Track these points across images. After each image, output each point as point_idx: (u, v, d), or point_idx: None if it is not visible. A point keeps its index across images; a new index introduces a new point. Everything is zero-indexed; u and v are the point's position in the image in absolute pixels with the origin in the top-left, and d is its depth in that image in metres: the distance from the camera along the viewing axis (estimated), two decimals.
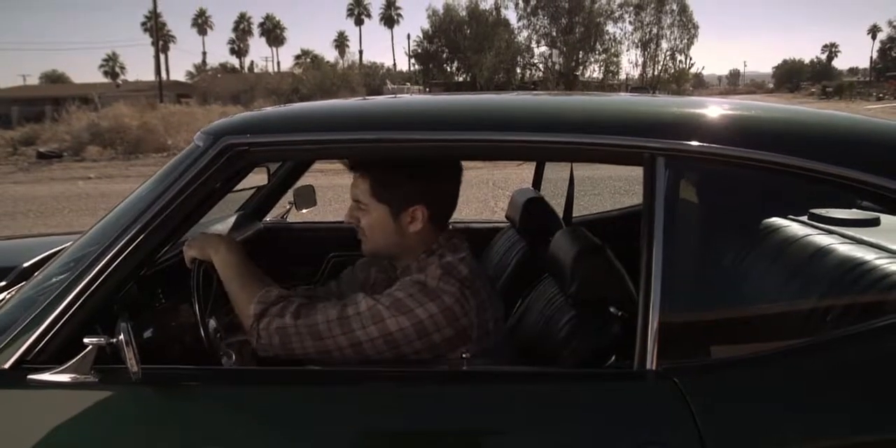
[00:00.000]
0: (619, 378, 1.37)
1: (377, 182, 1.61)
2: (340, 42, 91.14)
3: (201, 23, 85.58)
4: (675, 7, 53.54)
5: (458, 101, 1.90)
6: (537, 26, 52.34)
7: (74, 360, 1.33)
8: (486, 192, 10.17)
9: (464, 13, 52.58)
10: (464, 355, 1.50)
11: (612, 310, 1.61)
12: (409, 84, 51.60)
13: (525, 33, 52.86)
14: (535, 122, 1.53)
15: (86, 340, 1.32)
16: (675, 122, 1.51)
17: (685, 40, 54.58)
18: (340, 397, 1.37)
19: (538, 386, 1.38)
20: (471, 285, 1.56)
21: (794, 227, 1.85)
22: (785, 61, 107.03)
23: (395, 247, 1.66)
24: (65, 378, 1.33)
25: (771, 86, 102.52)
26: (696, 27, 54.36)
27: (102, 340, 1.31)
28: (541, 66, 53.26)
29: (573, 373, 1.49)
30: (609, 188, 8.50)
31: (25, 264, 2.18)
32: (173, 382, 1.39)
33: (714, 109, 1.57)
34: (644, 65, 55.71)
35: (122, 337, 1.28)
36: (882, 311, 1.41)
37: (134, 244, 1.42)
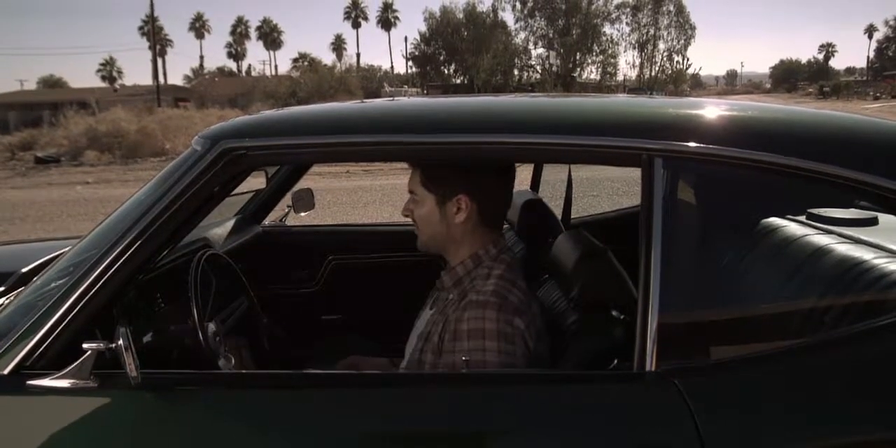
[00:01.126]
0: (619, 380, 1.37)
1: (426, 172, 1.68)
2: (338, 45, 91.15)
3: (199, 27, 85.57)
4: (671, 8, 53.64)
5: (455, 103, 1.90)
6: (534, 28, 52.42)
7: (73, 365, 1.32)
8: None
9: (461, 15, 52.62)
10: (464, 358, 1.50)
11: (614, 313, 1.61)
12: (406, 86, 51.64)
13: (522, 35, 52.95)
14: (533, 125, 1.53)
15: (85, 346, 1.31)
16: (672, 123, 1.51)
17: (682, 41, 54.66)
18: (341, 400, 1.37)
19: (538, 388, 1.38)
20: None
21: (792, 227, 1.85)
22: (782, 61, 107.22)
23: (441, 238, 1.71)
24: (64, 384, 1.33)
25: (768, 86, 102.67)
26: (693, 28, 54.46)
27: (101, 346, 1.30)
28: (538, 67, 53.30)
29: (573, 375, 1.49)
30: (607, 189, 8.51)
31: (24, 269, 2.17)
32: (173, 387, 1.39)
33: (710, 110, 1.57)
34: (641, 66, 55.79)
35: (120, 342, 1.27)
36: (881, 310, 1.41)
37: (132, 249, 1.41)
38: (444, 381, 1.44)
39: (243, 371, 1.68)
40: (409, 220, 1.77)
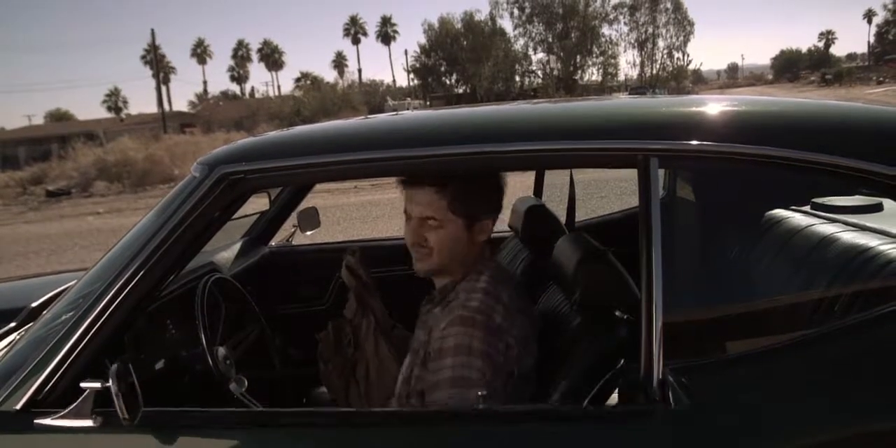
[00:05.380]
0: (631, 418, 1.32)
1: (456, 196, 1.60)
2: (339, 62, 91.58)
3: (200, 52, 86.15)
4: (669, 5, 53.67)
5: (451, 115, 1.90)
6: (533, 33, 52.57)
7: (74, 404, 1.32)
8: None
9: (459, 25, 52.83)
10: (480, 394, 1.49)
11: (617, 314, 1.61)
12: (409, 99, 51.78)
13: (521, 41, 53.12)
14: (527, 131, 1.53)
15: (83, 385, 1.31)
16: (666, 123, 1.51)
17: (681, 37, 54.72)
18: (350, 439, 1.35)
19: (549, 425, 1.34)
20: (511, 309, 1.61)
21: (796, 218, 1.84)
22: (782, 51, 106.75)
23: (459, 261, 1.65)
24: (67, 423, 1.33)
25: (770, 77, 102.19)
26: (691, 24, 54.51)
27: (98, 385, 1.29)
28: (539, 72, 53.40)
29: (584, 411, 1.44)
30: (615, 190, 8.48)
31: (34, 304, 2.19)
32: (174, 426, 1.38)
33: (704, 107, 1.57)
34: (642, 64, 55.84)
35: (110, 383, 1.26)
36: (890, 296, 1.40)
37: (136, 279, 1.42)
38: (459, 418, 1.39)
39: (246, 410, 1.66)
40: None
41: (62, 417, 1.33)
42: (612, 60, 53.44)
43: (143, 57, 73.95)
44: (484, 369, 1.50)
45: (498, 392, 1.51)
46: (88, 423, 1.32)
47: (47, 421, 1.34)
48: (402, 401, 1.66)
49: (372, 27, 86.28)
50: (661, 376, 1.26)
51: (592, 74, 53.54)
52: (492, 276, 1.65)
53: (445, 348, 1.53)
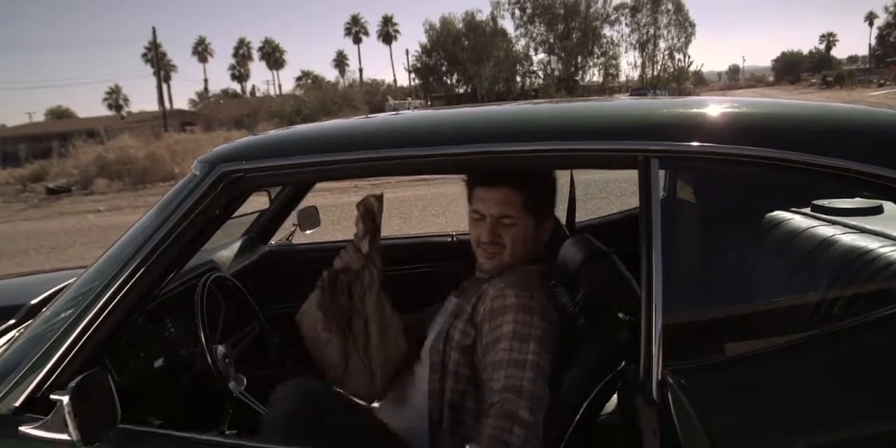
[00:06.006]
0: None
1: (531, 194, 1.68)
2: (340, 61, 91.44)
3: (201, 50, 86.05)
4: (670, 6, 53.69)
5: (452, 115, 1.90)
6: (534, 34, 52.61)
7: (49, 416, 1.29)
8: None
9: (460, 25, 52.85)
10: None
11: (620, 315, 1.61)
12: (410, 99, 51.76)
13: (523, 41, 53.15)
14: (528, 132, 1.53)
15: (52, 397, 1.27)
16: (666, 124, 1.51)
17: (682, 39, 54.75)
18: None
19: None
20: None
21: (796, 220, 1.84)
22: (783, 53, 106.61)
23: (527, 258, 1.71)
24: (45, 434, 1.30)
25: (771, 79, 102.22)
26: (692, 25, 54.54)
27: (67, 398, 1.24)
28: (540, 73, 53.42)
29: None
30: (615, 190, 8.48)
31: (33, 301, 2.19)
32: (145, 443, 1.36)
33: (704, 108, 1.56)
34: (643, 66, 55.85)
35: (66, 404, 1.22)
36: (890, 299, 1.40)
37: (136, 277, 1.43)
38: None
39: (220, 439, 1.62)
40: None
41: (40, 428, 1.31)
42: (614, 61, 53.51)
43: (144, 55, 73.87)
44: (539, 352, 1.51)
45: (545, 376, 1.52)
46: (62, 435, 1.27)
47: (29, 429, 1.31)
48: (436, 378, 1.65)
49: (373, 27, 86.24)
50: (660, 377, 1.26)
51: (593, 75, 53.66)
52: (544, 272, 1.71)
53: (504, 333, 1.54)
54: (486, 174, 1.69)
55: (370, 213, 1.81)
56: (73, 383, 1.24)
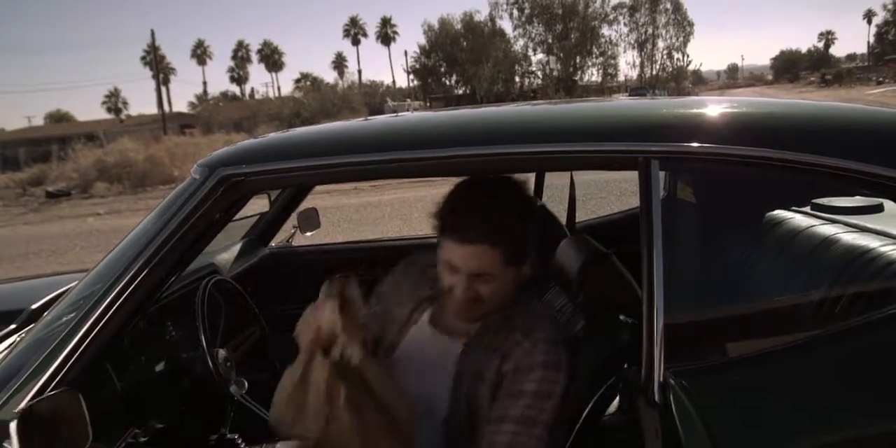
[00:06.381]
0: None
1: (509, 250, 1.48)
2: (339, 63, 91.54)
3: (200, 53, 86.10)
4: (668, 6, 53.74)
5: (452, 117, 1.90)
6: (533, 34, 52.70)
7: (12, 439, 1.23)
8: None
9: (459, 26, 52.92)
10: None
11: (621, 317, 1.61)
12: (409, 100, 51.79)
13: (521, 42, 53.22)
14: (528, 134, 1.53)
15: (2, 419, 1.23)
16: (667, 124, 1.51)
17: (681, 38, 54.87)
18: None
19: None
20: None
21: (797, 219, 1.84)
22: (782, 52, 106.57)
23: (508, 299, 1.57)
24: None
25: (770, 77, 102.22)
26: (691, 24, 54.63)
27: (13, 426, 1.19)
28: (539, 73, 53.47)
29: None
30: (615, 190, 8.48)
31: (34, 306, 2.18)
32: None
33: (704, 108, 1.57)
34: (642, 65, 55.93)
35: (12, 430, 1.17)
36: (891, 298, 1.40)
37: (137, 281, 1.42)
38: None
39: None
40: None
41: None
42: (612, 61, 53.64)
43: (143, 58, 74.03)
44: (554, 409, 1.46)
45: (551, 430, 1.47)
46: None
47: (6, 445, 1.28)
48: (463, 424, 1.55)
49: (372, 28, 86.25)
50: (661, 379, 1.26)
51: (592, 75, 53.77)
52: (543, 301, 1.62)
53: (526, 390, 1.46)
54: (459, 229, 1.48)
55: (344, 302, 1.48)
56: (22, 405, 1.19)
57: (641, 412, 1.31)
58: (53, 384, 1.37)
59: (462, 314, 1.55)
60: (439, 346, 1.61)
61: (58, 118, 76.77)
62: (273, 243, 3.14)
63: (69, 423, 1.24)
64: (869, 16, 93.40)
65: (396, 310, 1.69)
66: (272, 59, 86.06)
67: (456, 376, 1.56)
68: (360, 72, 77.42)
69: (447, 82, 55.18)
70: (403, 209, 10.54)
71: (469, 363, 1.56)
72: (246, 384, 1.88)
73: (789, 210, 1.87)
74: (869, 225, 1.70)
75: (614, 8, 53.03)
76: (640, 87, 49.52)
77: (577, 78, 52.23)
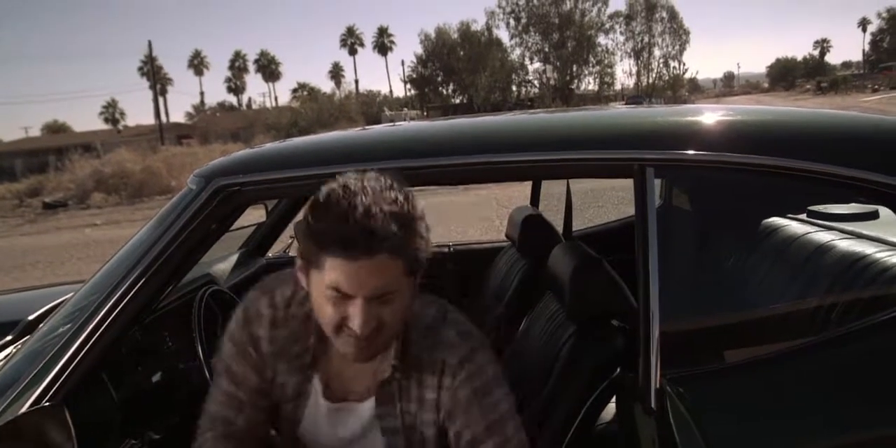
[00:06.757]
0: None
1: (410, 253, 1.17)
2: (336, 73, 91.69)
3: (197, 64, 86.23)
4: (665, 14, 53.97)
5: (448, 126, 1.91)
6: (529, 43, 52.78)
7: None
8: (491, 212, 10.17)
9: (455, 35, 53.02)
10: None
11: (614, 322, 1.61)
12: (406, 109, 51.88)
13: (518, 51, 53.31)
14: (524, 142, 1.54)
15: None
16: (661, 132, 1.52)
17: (677, 46, 55.02)
18: None
19: None
20: None
21: (793, 227, 1.84)
22: (778, 60, 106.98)
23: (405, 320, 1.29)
24: None
25: (766, 85, 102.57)
26: (687, 33, 54.84)
27: None
28: (535, 82, 53.59)
29: None
30: (612, 199, 8.50)
31: (30, 317, 2.18)
32: None
33: (699, 116, 1.58)
34: (638, 74, 56.09)
35: None
36: (887, 303, 1.40)
37: (134, 291, 1.42)
38: None
39: None
40: None
41: None
42: (609, 70, 53.76)
43: (141, 68, 73.95)
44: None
45: None
46: None
47: None
48: None
49: (369, 38, 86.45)
50: (658, 385, 1.26)
51: (589, 84, 53.85)
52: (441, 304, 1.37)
53: (486, 384, 1.28)
54: (346, 242, 1.12)
55: None
56: (7, 420, 1.17)
57: (638, 419, 1.31)
58: (49, 395, 1.36)
59: (362, 354, 1.23)
60: (350, 417, 1.37)
61: (55, 129, 76.70)
62: (270, 254, 3.14)
63: (54, 438, 1.22)
64: (863, 24, 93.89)
65: (280, 377, 1.39)
66: (269, 69, 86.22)
67: (388, 435, 1.35)
68: (357, 81, 77.61)
69: (444, 91, 55.25)
70: None
71: (393, 418, 1.34)
72: None
73: (785, 217, 1.88)
74: (864, 231, 1.71)
75: (610, 17, 53.26)
76: (636, 96, 49.68)
77: (573, 87, 52.34)
